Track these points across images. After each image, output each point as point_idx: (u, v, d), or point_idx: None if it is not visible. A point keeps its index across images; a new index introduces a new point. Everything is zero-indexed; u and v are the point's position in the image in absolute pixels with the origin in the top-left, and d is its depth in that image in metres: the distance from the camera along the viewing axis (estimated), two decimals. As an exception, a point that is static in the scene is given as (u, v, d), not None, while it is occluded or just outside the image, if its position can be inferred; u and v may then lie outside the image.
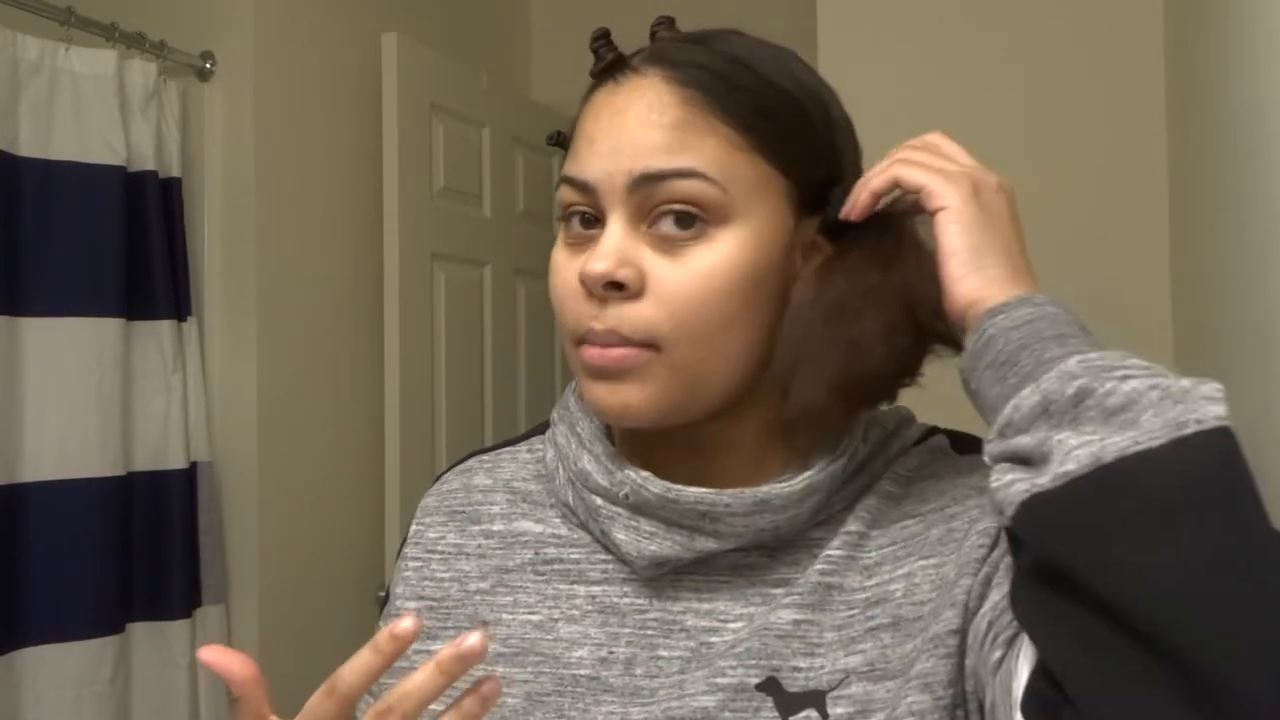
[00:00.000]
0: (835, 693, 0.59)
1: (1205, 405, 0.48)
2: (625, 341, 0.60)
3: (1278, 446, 0.88)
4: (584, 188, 0.62)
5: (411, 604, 0.70)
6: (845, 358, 0.60)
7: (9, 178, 1.76)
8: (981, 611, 0.57)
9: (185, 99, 2.05)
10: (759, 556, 0.63)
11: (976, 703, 0.57)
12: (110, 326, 1.86)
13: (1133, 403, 0.48)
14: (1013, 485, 0.51)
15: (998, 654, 0.55)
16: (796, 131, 0.62)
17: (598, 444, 0.66)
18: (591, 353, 0.61)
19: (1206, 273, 1.34)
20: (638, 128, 0.60)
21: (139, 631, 1.91)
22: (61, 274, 1.81)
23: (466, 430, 2.50)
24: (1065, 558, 0.48)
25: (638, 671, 0.62)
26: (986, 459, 0.54)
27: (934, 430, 0.70)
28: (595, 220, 0.62)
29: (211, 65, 2.08)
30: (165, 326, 1.96)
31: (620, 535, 0.63)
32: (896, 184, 0.61)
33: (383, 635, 0.53)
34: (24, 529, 1.76)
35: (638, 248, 0.60)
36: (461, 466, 0.77)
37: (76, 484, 1.81)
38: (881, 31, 2.04)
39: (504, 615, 0.67)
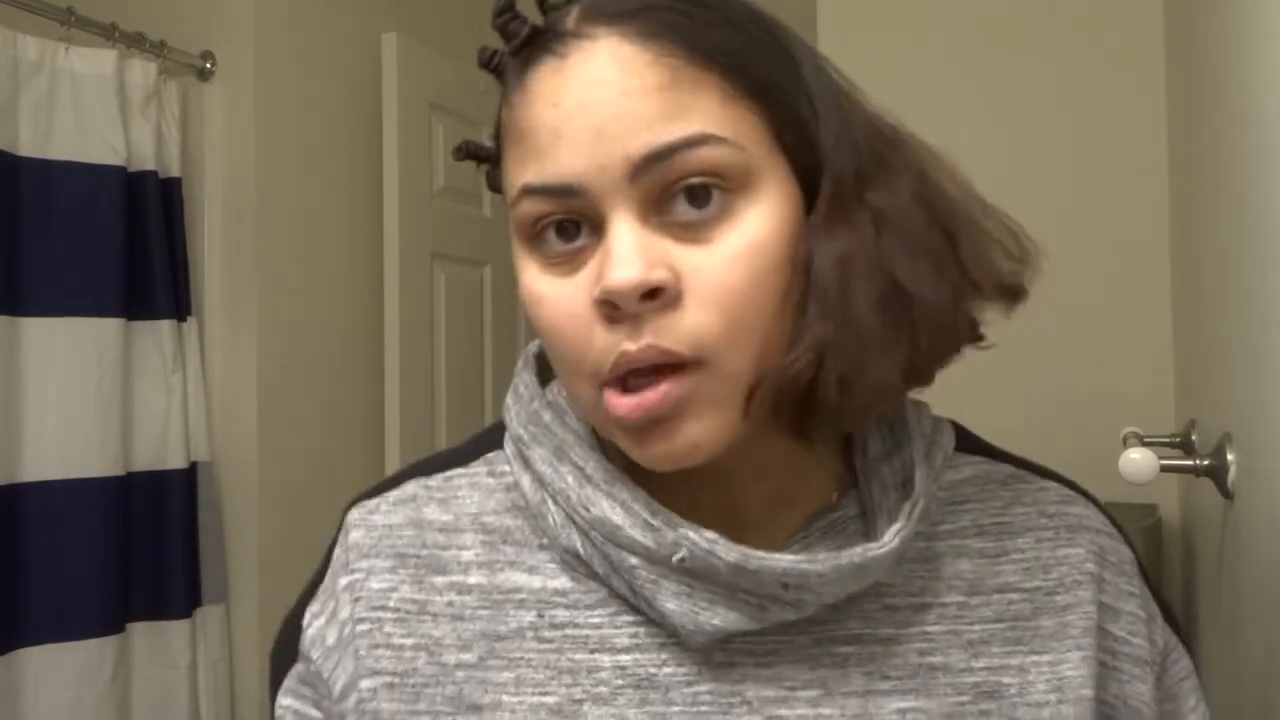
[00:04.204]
0: None
1: None
2: (666, 362, 0.47)
3: (1277, 448, 0.88)
4: (564, 192, 0.48)
5: (366, 682, 0.54)
6: (910, 316, 0.49)
7: (9, 178, 1.76)
8: None
9: (185, 99, 2.05)
10: (820, 609, 0.52)
11: None
12: (110, 326, 1.86)
13: None
14: None
15: None
16: (775, 65, 0.51)
17: (621, 487, 0.52)
18: (624, 403, 0.48)
19: (1206, 272, 1.34)
20: (619, 100, 0.47)
21: (139, 631, 1.91)
22: (61, 274, 1.81)
23: (466, 430, 2.48)
24: None
25: None
26: None
27: (954, 426, 0.60)
28: (575, 229, 0.49)
29: (211, 65, 2.08)
30: (165, 326, 1.96)
31: (670, 605, 0.50)
32: None
33: None
34: (24, 529, 1.76)
35: (660, 243, 0.48)
36: (399, 494, 0.61)
37: (76, 484, 1.81)
38: (882, 31, 2.04)
39: (504, 697, 0.52)
